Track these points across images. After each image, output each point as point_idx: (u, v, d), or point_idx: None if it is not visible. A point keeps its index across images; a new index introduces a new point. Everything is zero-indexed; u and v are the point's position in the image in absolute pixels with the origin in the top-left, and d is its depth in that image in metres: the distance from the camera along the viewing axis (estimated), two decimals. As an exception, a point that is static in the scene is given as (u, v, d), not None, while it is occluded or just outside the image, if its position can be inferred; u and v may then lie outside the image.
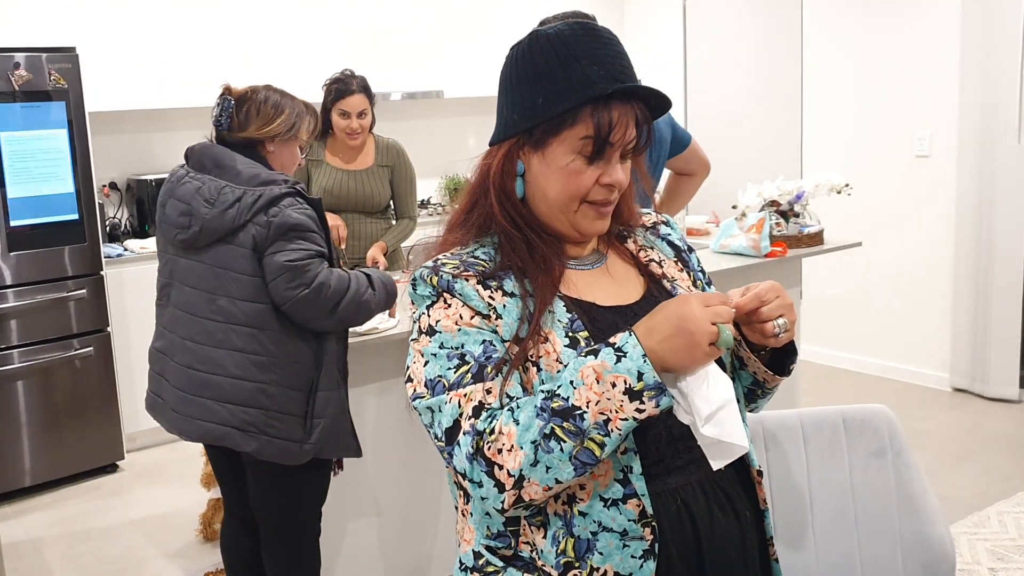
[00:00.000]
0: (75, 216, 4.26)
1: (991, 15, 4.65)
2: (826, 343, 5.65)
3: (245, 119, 2.49)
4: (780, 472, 1.96)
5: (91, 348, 4.36)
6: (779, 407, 4.07)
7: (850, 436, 1.97)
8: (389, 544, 3.04)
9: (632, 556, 1.21)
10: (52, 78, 4.14)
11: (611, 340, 1.17)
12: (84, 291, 4.31)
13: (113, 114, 4.88)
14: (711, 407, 1.15)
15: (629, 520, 1.21)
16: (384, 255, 3.70)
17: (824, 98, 5.50)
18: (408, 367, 1.28)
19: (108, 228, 4.92)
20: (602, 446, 1.14)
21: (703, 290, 1.44)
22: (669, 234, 1.49)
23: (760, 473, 1.38)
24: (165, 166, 5.18)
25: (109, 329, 4.41)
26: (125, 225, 5.03)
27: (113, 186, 5.04)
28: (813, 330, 5.62)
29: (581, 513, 1.22)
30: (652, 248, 1.44)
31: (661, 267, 1.41)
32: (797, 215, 3.92)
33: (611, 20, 6.50)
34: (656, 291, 1.38)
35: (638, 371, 1.13)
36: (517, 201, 1.31)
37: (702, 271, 1.49)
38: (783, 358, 1.37)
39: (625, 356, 1.14)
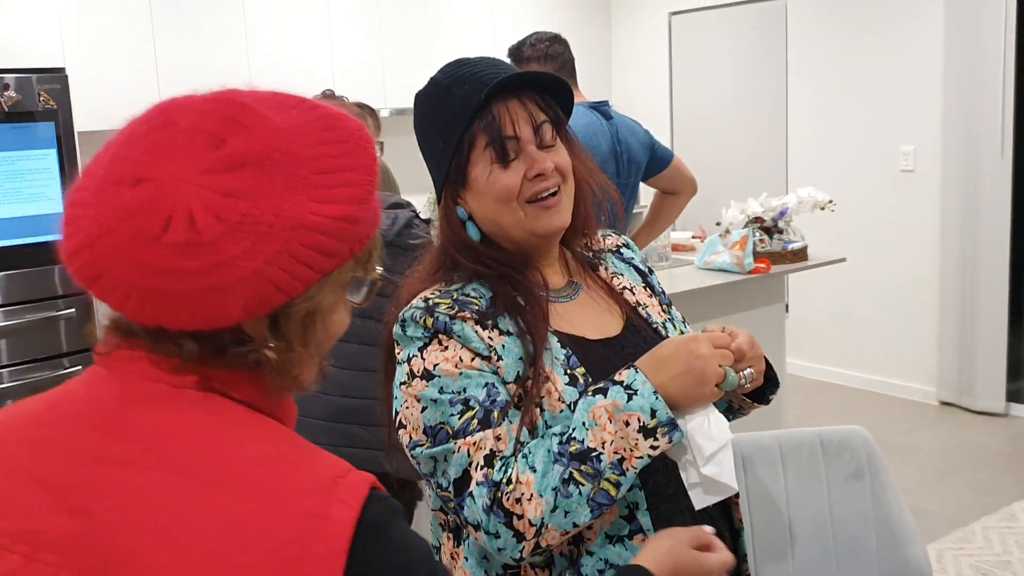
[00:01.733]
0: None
1: (973, 31, 4.69)
2: (813, 357, 5.68)
3: None
4: (759, 494, 1.97)
5: (80, 367, 4.36)
6: (766, 422, 4.07)
7: (828, 458, 1.99)
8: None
9: None
10: (41, 99, 4.16)
11: (617, 378, 1.17)
12: (73, 310, 4.32)
13: (103, 133, 4.88)
14: (714, 446, 1.16)
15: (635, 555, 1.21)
16: None
17: (809, 114, 5.54)
18: (398, 412, 1.23)
19: (97, 246, 4.94)
20: (617, 486, 1.13)
21: (669, 314, 1.45)
22: (632, 257, 1.49)
23: (736, 494, 1.40)
24: (154, 184, 5.20)
25: (98, 348, 4.42)
26: (114, 243, 5.04)
27: (102, 204, 5.06)
28: (799, 344, 5.64)
29: (588, 552, 1.21)
30: (622, 275, 1.44)
31: (634, 294, 1.41)
32: (781, 231, 3.95)
33: (597, 38, 6.54)
34: (634, 320, 1.38)
35: (651, 408, 1.13)
36: (477, 246, 1.29)
37: (663, 292, 1.49)
38: (763, 388, 1.38)
39: (636, 394, 1.14)
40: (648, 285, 1.46)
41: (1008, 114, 4.66)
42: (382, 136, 2.62)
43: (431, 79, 1.31)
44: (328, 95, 3.67)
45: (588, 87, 6.58)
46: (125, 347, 0.78)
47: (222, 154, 0.72)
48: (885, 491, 1.97)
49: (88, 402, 0.77)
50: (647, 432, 1.13)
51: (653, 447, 1.13)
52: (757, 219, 3.94)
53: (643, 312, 1.39)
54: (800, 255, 3.94)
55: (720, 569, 1.15)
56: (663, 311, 1.43)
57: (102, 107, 4.68)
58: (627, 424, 1.13)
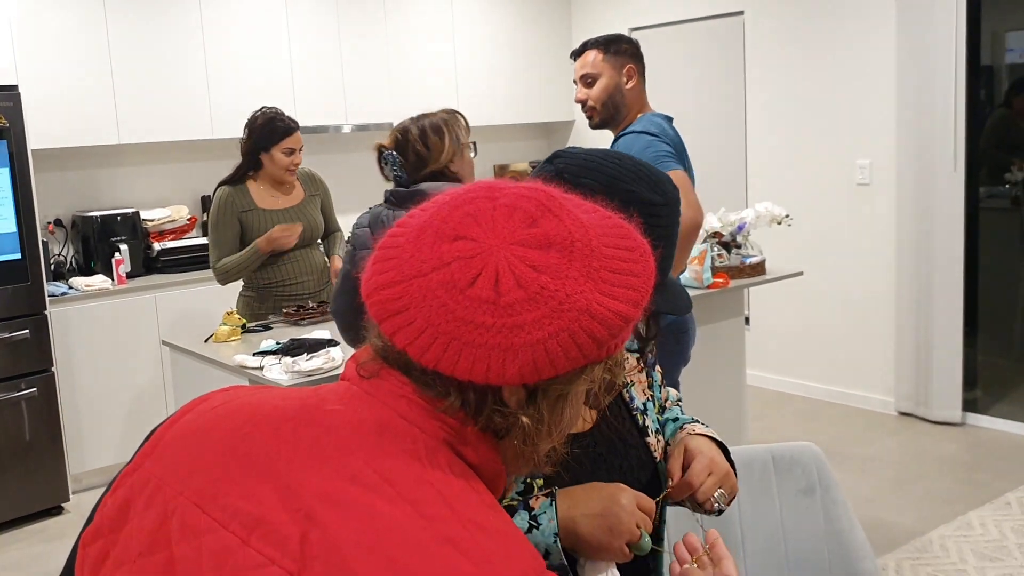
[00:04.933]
0: (17, 256, 4.21)
1: (925, 46, 4.78)
2: (772, 369, 5.73)
3: (418, 161, 2.56)
4: (712, 511, 1.98)
5: (35, 389, 4.30)
6: (727, 434, 4.08)
7: (779, 474, 2.00)
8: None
9: None
10: (-7, 117, 4.10)
11: (532, 501, 1.13)
12: (27, 331, 4.26)
13: (58, 151, 4.85)
14: None
15: None
16: None
17: (767, 129, 5.60)
18: None
19: (53, 266, 4.87)
20: None
21: (652, 390, 1.38)
22: None
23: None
24: (111, 202, 5.15)
25: (53, 369, 4.36)
26: (70, 263, 4.98)
27: (58, 223, 4.99)
28: (759, 357, 5.69)
29: None
30: None
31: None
32: (739, 246, 3.99)
33: (559, 54, 6.57)
34: (615, 404, 1.30)
35: (546, 548, 1.10)
36: None
37: (654, 364, 1.42)
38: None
39: (538, 528, 1.11)
40: (642, 356, 1.37)
41: (960, 128, 4.74)
42: (472, 136, 2.70)
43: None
44: (279, 112, 3.69)
45: (550, 104, 6.61)
46: (390, 378, 0.85)
47: (534, 232, 0.82)
48: (836, 507, 1.99)
49: (346, 420, 0.83)
50: None
51: None
52: (715, 234, 3.97)
53: (626, 395, 1.32)
54: (758, 269, 3.97)
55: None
56: (647, 388, 1.37)
57: (56, 125, 4.64)
58: None
